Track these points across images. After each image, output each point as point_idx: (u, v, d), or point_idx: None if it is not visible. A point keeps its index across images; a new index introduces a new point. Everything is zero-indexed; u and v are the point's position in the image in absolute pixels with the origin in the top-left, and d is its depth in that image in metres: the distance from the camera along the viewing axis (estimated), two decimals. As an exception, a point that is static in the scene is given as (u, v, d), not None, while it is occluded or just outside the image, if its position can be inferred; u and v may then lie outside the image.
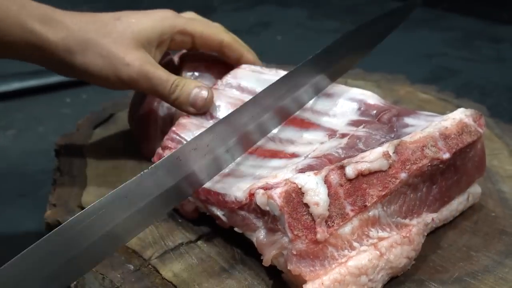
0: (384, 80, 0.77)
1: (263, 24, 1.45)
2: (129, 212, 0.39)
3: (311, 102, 0.53)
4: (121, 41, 0.52)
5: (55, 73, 0.55)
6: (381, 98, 0.53)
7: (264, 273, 0.44)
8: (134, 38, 0.52)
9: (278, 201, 0.39)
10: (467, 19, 1.42)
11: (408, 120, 0.49)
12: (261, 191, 0.41)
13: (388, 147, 0.43)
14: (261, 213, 0.41)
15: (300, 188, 0.40)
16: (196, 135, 0.49)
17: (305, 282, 0.39)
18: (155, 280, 0.44)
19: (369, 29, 0.56)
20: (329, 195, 0.40)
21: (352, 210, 0.41)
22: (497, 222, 0.50)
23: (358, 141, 0.46)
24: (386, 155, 0.42)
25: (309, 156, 0.46)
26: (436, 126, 0.46)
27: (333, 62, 0.53)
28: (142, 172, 0.40)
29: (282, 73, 0.57)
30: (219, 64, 0.60)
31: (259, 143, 0.49)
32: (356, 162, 0.42)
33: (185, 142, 0.49)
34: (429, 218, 0.45)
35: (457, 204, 0.49)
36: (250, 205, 0.42)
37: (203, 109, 0.53)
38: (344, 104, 0.52)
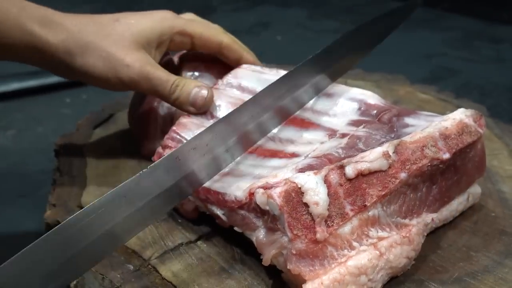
0: (384, 80, 0.77)
1: (263, 24, 1.45)
2: (128, 211, 0.39)
3: (311, 102, 0.53)
4: (121, 43, 0.52)
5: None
6: (381, 98, 0.53)
7: (263, 273, 0.44)
8: (134, 39, 0.52)
9: (277, 201, 0.39)
10: (467, 19, 1.43)
11: (408, 120, 0.49)
12: (261, 190, 0.41)
13: (388, 147, 0.43)
14: (261, 212, 0.41)
15: (300, 188, 0.40)
16: (195, 134, 0.49)
17: (304, 281, 0.39)
18: (154, 280, 0.44)
19: (369, 29, 0.56)
20: (328, 194, 0.40)
21: (351, 210, 0.41)
22: (497, 222, 0.50)
23: (358, 141, 0.46)
24: (386, 155, 0.42)
25: (309, 155, 0.46)
26: (436, 126, 0.46)
27: (333, 62, 0.53)
28: (141, 172, 0.40)
29: (283, 73, 0.57)
30: (219, 64, 0.60)
31: (259, 142, 0.49)
32: (356, 162, 0.42)
33: (185, 141, 0.49)
34: (429, 218, 0.45)
35: (457, 204, 0.49)
36: (250, 205, 0.42)
37: (203, 109, 0.53)
38: (344, 104, 0.52)
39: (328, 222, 0.40)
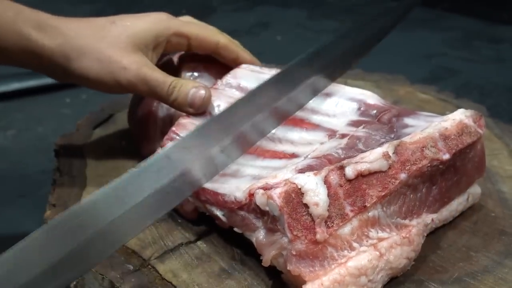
0: (384, 80, 0.77)
1: (263, 25, 1.45)
2: (122, 210, 0.38)
3: (310, 102, 0.53)
4: (117, 45, 0.52)
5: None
6: (381, 98, 0.53)
7: (263, 273, 0.44)
8: (130, 41, 0.52)
9: (277, 201, 0.39)
10: (467, 19, 1.43)
11: (408, 120, 0.49)
12: (261, 191, 0.41)
13: (388, 148, 0.43)
14: (261, 213, 0.41)
15: (300, 189, 0.40)
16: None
17: (304, 282, 0.39)
18: (154, 280, 0.44)
19: (367, 28, 0.56)
20: (328, 195, 0.40)
21: (351, 211, 0.41)
22: (497, 222, 0.50)
23: (358, 141, 0.46)
24: (386, 155, 0.42)
25: (309, 156, 0.46)
26: (436, 126, 0.46)
27: (332, 62, 0.53)
28: (129, 170, 0.39)
29: (282, 73, 0.57)
30: (218, 64, 0.60)
31: (258, 143, 0.49)
32: (356, 162, 0.42)
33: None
34: (429, 218, 0.45)
35: (457, 205, 0.49)
36: (249, 205, 0.42)
37: (202, 109, 0.53)
38: (344, 104, 0.52)
39: (328, 223, 0.40)
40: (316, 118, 0.52)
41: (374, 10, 1.51)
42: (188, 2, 1.33)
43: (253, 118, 0.47)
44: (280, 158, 0.47)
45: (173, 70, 0.60)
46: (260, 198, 0.41)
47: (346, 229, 0.40)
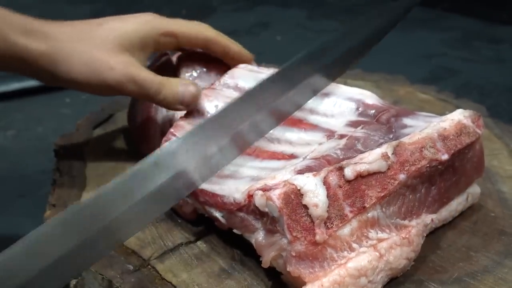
0: (384, 80, 0.77)
1: (263, 25, 1.45)
2: (120, 210, 0.38)
3: (309, 102, 0.53)
4: (104, 46, 0.52)
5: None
6: (380, 98, 0.53)
7: (263, 273, 0.44)
8: (117, 42, 0.52)
9: (277, 203, 0.39)
10: (467, 20, 1.43)
11: (406, 120, 0.49)
12: (260, 192, 0.41)
13: (387, 148, 0.43)
14: (260, 214, 0.41)
15: (299, 190, 0.40)
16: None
17: (304, 283, 0.39)
18: (154, 280, 0.44)
19: (367, 27, 0.56)
20: (328, 196, 0.40)
21: (351, 212, 0.41)
22: (497, 222, 0.50)
23: (356, 142, 0.46)
24: (385, 156, 0.42)
25: (308, 157, 0.46)
26: (434, 127, 0.46)
27: (332, 62, 0.53)
28: (123, 173, 0.40)
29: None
30: (216, 64, 0.60)
31: (257, 144, 0.49)
32: (355, 163, 0.42)
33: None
34: (429, 219, 0.45)
35: (456, 205, 0.49)
36: (249, 207, 0.42)
37: (192, 105, 0.53)
38: (342, 104, 0.52)
39: (328, 224, 0.40)
40: (314, 119, 0.52)
41: (374, 10, 1.51)
42: (188, 2, 1.33)
43: (251, 117, 0.47)
44: (279, 159, 0.47)
45: (172, 70, 0.60)
46: (259, 200, 0.41)
47: (345, 230, 0.40)
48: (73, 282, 0.46)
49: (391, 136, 0.47)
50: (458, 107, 0.50)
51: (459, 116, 0.47)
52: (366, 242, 0.41)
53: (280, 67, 0.51)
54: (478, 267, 0.45)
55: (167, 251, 0.47)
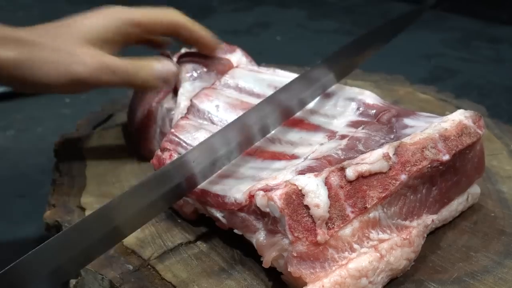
0: (384, 81, 0.77)
1: (263, 25, 1.45)
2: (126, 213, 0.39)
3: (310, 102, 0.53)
4: (73, 44, 0.52)
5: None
6: (380, 97, 0.53)
7: (263, 273, 0.44)
8: (86, 38, 0.52)
9: (278, 203, 0.39)
10: (467, 20, 1.43)
11: (407, 121, 0.49)
12: (261, 192, 0.41)
13: (388, 149, 0.43)
14: (261, 214, 0.41)
15: (301, 190, 0.40)
16: (194, 136, 0.49)
17: (305, 284, 0.39)
18: (154, 280, 0.44)
19: (378, 31, 0.57)
20: (329, 197, 0.40)
21: (352, 212, 0.40)
22: (497, 222, 0.50)
23: (357, 142, 0.46)
24: (386, 156, 0.42)
25: (309, 157, 0.46)
26: (435, 127, 0.46)
27: (340, 63, 0.54)
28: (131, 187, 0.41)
29: (280, 72, 0.57)
30: (217, 64, 0.60)
31: (258, 144, 0.49)
32: (357, 163, 0.42)
33: (183, 143, 0.49)
34: (429, 219, 0.45)
35: (456, 205, 0.49)
36: (250, 207, 0.42)
37: (173, 81, 0.54)
38: (343, 104, 0.52)
39: (329, 224, 0.40)
40: (315, 119, 0.52)
41: (374, 10, 1.51)
42: (188, 2, 1.33)
43: (262, 122, 0.48)
44: (280, 159, 0.47)
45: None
46: (260, 200, 0.41)
47: (346, 231, 0.40)
48: (73, 282, 0.46)
49: (392, 136, 0.47)
50: (458, 107, 0.50)
51: (460, 116, 0.47)
52: (367, 242, 0.41)
53: (280, 67, 0.52)
54: (478, 267, 0.45)
55: (167, 251, 0.47)
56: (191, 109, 0.54)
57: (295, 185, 0.40)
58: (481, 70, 1.15)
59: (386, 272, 0.41)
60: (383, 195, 0.41)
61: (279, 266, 0.41)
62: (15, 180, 0.81)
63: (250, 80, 0.56)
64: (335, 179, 0.41)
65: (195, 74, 0.59)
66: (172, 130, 0.51)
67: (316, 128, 0.51)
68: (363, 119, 0.50)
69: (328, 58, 0.54)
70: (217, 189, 0.45)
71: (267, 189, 0.41)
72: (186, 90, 0.57)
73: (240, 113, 0.50)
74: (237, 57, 0.63)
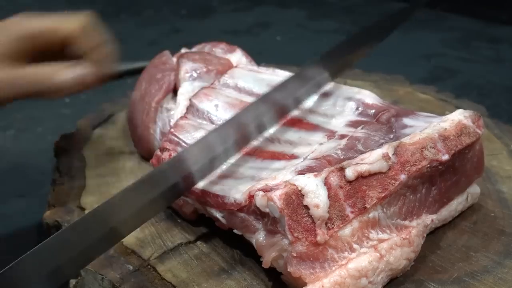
0: (383, 81, 0.77)
1: (263, 25, 1.45)
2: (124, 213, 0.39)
3: (309, 102, 0.53)
4: None
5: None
6: (379, 97, 0.53)
7: (263, 273, 0.44)
8: None
9: (278, 203, 0.39)
10: (466, 20, 1.43)
11: (407, 121, 0.49)
12: (261, 193, 0.41)
13: (387, 149, 0.43)
14: (261, 215, 0.41)
15: (300, 190, 0.40)
16: (193, 136, 0.49)
17: (305, 284, 0.39)
18: (154, 280, 0.44)
19: (372, 29, 0.57)
20: (329, 197, 0.40)
21: (352, 212, 0.40)
22: (496, 222, 0.50)
23: (357, 142, 0.46)
24: (385, 156, 0.42)
25: (308, 157, 0.46)
26: (435, 127, 0.46)
27: (335, 61, 0.54)
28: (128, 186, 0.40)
29: (279, 72, 0.57)
30: (216, 64, 0.60)
31: (258, 144, 0.49)
32: (356, 163, 0.42)
33: (183, 143, 0.49)
34: (429, 219, 0.45)
35: (456, 205, 0.49)
36: (249, 207, 0.42)
37: (109, 64, 0.52)
38: (342, 104, 0.52)
39: (329, 224, 0.40)
40: (314, 119, 0.52)
41: (374, 10, 1.51)
42: (188, 2, 1.33)
43: (259, 120, 0.47)
44: (279, 159, 0.47)
45: (172, 70, 0.60)
46: (260, 200, 0.41)
47: (346, 231, 0.40)
48: (73, 282, 0.46)
49: (391, 136, 0.47)
50: (457, 107, 0.50)
51: (460, 116, 0.47)
52: (367, 242, 0.41)
53: (280, 67, 0.51)
54: (478, 267, 0.45)
55: (167, 251, 0.47)
56: (190, 108, 0.54)
57: (294, 185, 0.40)
58: (481, 70, 1.14)
59: (386, 272, 0.41)
60: (383, 195, 0.41)
61: (279, 266, 0.41)
62: (14, 180, 0.81)
63: (250, 80, 0.56)
64: (334, 179, 0.41)
65: (194, 74, 0.59)
66: (172, 130, 0.51)
67: (315, 127, 0.51)
68: (363, 118, 0.50)
69: (322, 56, 0.53)
70: (217, 189, 0.45)
71: (266, 189, 0.41)
72: (185, 90, 0.57)
73: (240, 113, 0.50)
74: (237, 57, 0.63)
